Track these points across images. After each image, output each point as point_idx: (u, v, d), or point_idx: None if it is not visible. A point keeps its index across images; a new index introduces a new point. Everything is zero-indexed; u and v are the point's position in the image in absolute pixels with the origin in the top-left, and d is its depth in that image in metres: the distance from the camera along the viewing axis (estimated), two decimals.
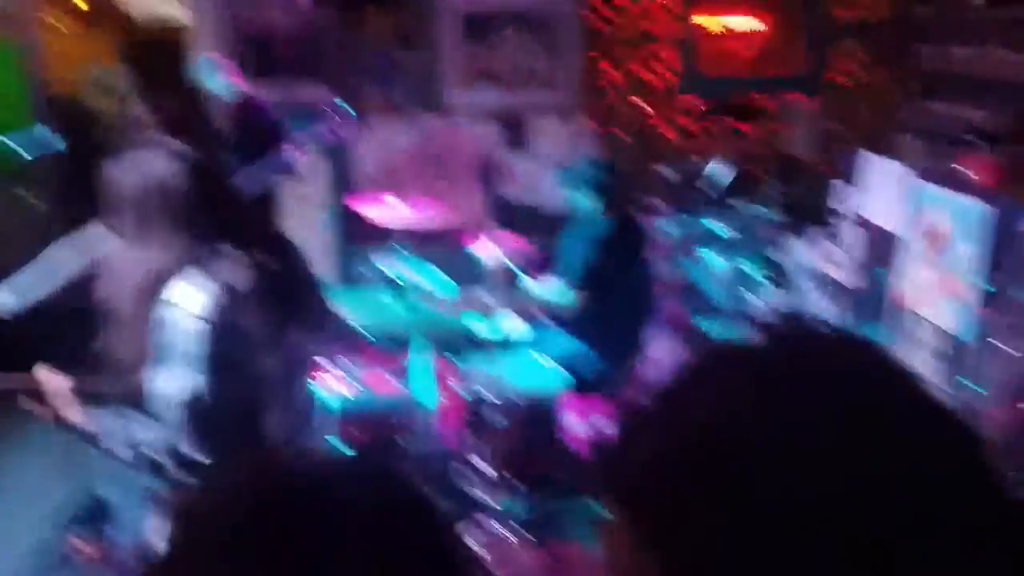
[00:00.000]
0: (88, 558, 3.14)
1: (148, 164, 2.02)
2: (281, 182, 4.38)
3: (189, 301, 1.94)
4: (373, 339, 3.90)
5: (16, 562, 3.31)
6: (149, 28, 5.94)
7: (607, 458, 0.66)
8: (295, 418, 2.30)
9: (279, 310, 2.14)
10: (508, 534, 3.25)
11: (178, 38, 5.41)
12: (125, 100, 5.52)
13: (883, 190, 3.10)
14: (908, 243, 2.88)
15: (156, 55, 5.83)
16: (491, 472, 3.24)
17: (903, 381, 0.61)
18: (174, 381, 1.94)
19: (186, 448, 1.97)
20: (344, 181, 5.30)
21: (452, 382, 3.64)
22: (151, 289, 1.97)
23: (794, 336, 0.67)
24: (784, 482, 0.56)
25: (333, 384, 3.64)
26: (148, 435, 1.99)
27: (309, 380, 2.39)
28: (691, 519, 0.58)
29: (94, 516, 3.45)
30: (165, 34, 5.77)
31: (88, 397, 2.10)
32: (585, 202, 3.77)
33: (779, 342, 0.66)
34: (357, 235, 5.10)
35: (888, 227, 3.09)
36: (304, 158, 4.29)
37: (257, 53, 4.32)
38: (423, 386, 3.71)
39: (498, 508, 3.21)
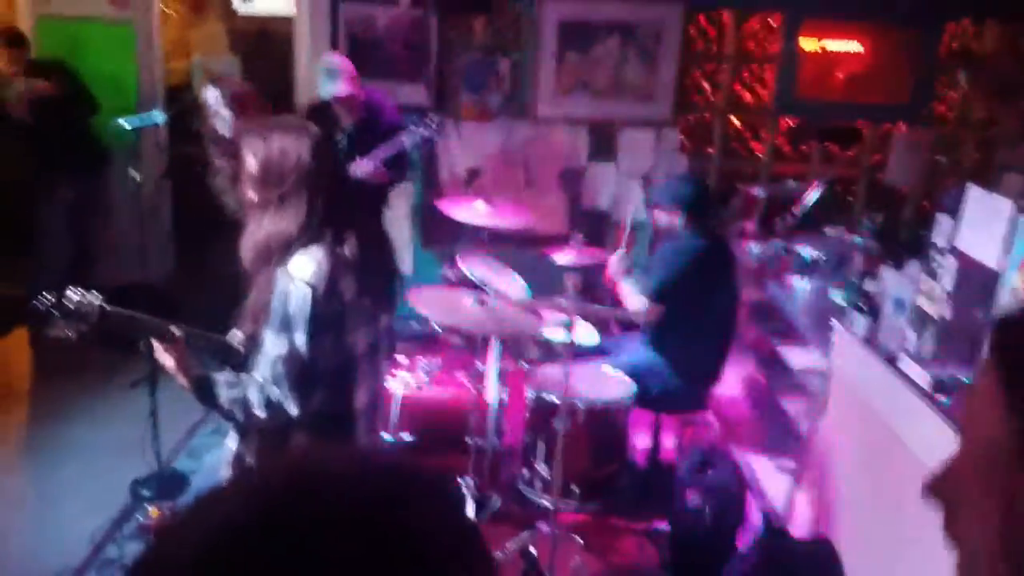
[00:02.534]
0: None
1: (291, 141, 2.11)
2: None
3: (304, 271, 2.07)
4: (449, 338, 3.93)
5: (95, 529, 3.42)
6: (256, 21, 6.11)
7: (1007, 318, 0.69)
8: (374, 394, 2.37)
9: (372, 292, 2.25)
10: (562, 535, 3.24)
11: (283, 32, 5.56)
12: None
13: (986, 225, 2.97)
14: (1006, 281, 2.76)
15: (262, 47, 6.00)
16: (550, 475, 3.22)
17: None
18: (281, 341, 2.07)
19: (284, 402, 2.08)
20: (432, 182, 5.36)
21: (521, 384, 3.64)
22: (272, 257, 2.10)
23: None
24: None
25: (407, 378, 3.68)
26: (251, 390, 2.10)
27: (385, 369, 2.44)
28: None
29: (171, 487, 3.55)
30: (271, 27, 5.94)
31: (202, 350, 2.24)
32: (671, 218, 3.72)
33: None
34: (442, 236, 5.15)
35: (988, 263, 2.96)
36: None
37: (358, 52, 4.39)
38: (492, 386, 3.72)
39: (554, 510, 3.19)
